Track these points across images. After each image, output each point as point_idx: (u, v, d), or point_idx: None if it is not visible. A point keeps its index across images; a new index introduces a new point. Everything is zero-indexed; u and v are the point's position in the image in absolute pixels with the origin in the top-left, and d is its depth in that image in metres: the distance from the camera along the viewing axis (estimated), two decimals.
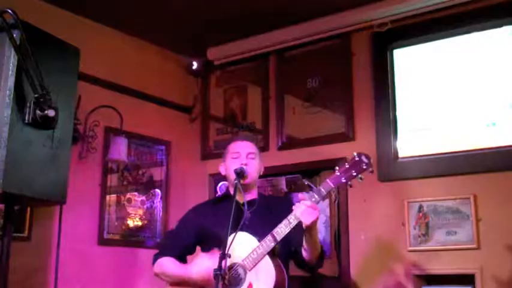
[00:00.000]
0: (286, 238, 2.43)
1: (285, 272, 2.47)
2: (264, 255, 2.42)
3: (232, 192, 2.61)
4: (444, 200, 3.26)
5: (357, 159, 2.35)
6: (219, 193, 4.22)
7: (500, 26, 3.27)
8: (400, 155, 3.48)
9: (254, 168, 2.71)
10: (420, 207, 3.33)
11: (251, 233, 2.49)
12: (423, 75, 3.50)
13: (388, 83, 3.58)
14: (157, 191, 4.16)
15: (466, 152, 3.25)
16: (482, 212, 3.13)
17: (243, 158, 2.69)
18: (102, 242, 3.72)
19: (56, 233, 2.92)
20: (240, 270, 2.47)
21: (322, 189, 2.38)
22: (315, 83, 3.93)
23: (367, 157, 2.35)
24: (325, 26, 3.78)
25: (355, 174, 2.34)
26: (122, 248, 3.84)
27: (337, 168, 2.40)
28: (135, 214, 3.97)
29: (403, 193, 3.38)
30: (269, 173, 3.79)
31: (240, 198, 2.56)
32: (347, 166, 2.36)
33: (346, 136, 3.70)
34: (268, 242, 2.41)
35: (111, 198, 3.83)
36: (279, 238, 2.40)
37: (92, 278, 3.58)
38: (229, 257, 2.21)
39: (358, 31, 3.75)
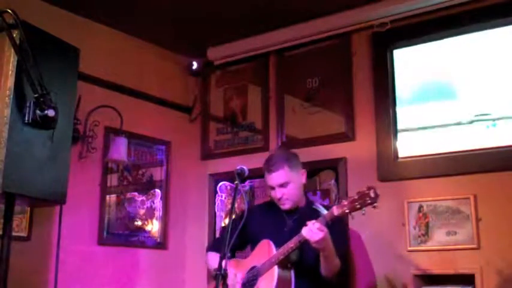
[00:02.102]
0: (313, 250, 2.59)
1: (292, 284, 2.60)
2: (273, 265, 2.61)
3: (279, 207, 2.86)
4: (444, 200, 3.26)
5: (366, 192, 2.43)
6: (219, 193, 4.22)
7: (501, 26, 3.27)
8: (400, 155, 3.48)
9: (290, 194, 2.83)
10: (420, 207, 3.33)
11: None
12: (423, 75, 3.50)
13: (388, 83, 3.58)
14: (157, 191, 4.16)
15: (466, 152, 3.25)
16: (482, 212, 3.13)
17: (277, 190, 2.84)
18: (102, 242, 3.72)
19: (56, 233, 2.93)
20: (255, 273, 2.70)
21: (327, 215, 2.52)
22: (315, 83, 3.93)
23: (375, 193, 2.42)
24: (325, 26, 3.78)
25: (358, 207, 2.43)
26: (122, 248, 3.84)
27: (347, 197, 2.56)
28: (135, 214, 3.97)
29: (403, 193, 3.38)
30: None
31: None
32: (355, 197, 2.45)
33: (346, 136, 3.70)
34: (278, 255, 2.61)
35: (111, 198, 3.83)
36: (286, 252, 2.58)
37: (92, 278, 3.58)
38: (230, 257, 2.26)
39: (358, 31, 3.74)
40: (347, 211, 2.45)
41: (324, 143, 3.77)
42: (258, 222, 2.90)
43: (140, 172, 4.07)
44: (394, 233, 3.38)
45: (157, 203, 4.14)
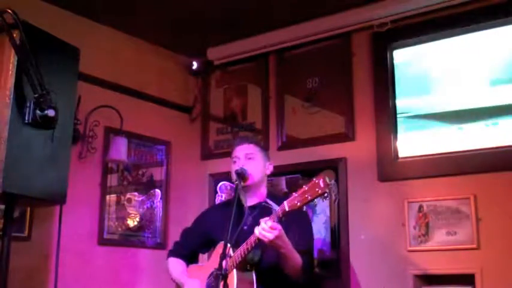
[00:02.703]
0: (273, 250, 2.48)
1: (254, 286, 2.51)
2: (232, 268, 2.47)
3: (241, 195, 2.68)
4: (444, 200, 3.25)
5: (316, 181, 2.30)
6: (219, 193, 4.22)
7: (500, 25, 3.27)
8: (400, 155, 3.48)
9: (254, 168, 2.72)
10: (420, 207, 3.33)
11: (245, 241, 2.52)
12: (423, 75, 3.50)
13: (388, 83, 3.58)
14: (157, 191, 4.16)
15: (466, 152, 3.25)
16: (482, 212, 3.13)
17: (241, 160, 2.73)
18: (102, 242, 3.72)
19: (56, 233, 2.92)
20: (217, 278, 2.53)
21: (279, 211, 2.38)
22: (315, 83, 3.93)
23: (325, 182, 2.28)
24: (325, 26, 3.78)
25: (309, 198, 2.31)
26: (122, 248, 3.84)
27: (298, 189, 2.37)
28: (135, 214, 3.97)
29: (403, 193, 3.38)
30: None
31: (250, 201, 2.62)
32: (305, 189, 2.33)
33: (346, 136, 3.70)
34: (235, 257, 2.48)
35: (111, 198, 3.83)
36: (243, 254, 2.46)
37: (92, 278, 3.58)
38: (230, 257, 2.23)
39: (358, 31, 3.74)
40: (298, 204, 2.32)
41: (324, 143, 3.77)
42: (218, 223, 2.75)
43: (140, 172, 4.07)
44: (394, 233, 3.38)
45: (157, 203, 4.14)
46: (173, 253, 3.01)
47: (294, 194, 2.36)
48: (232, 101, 4.35)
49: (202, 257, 3.22)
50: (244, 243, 2.47)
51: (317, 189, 2.28)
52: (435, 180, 3.32)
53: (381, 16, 3.58)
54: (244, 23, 3.90)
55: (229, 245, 2.49)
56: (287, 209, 2.35)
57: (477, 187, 3.17)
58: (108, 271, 3.71)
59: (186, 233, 3.05)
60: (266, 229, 2.35)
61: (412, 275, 3.25)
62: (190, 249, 2.97)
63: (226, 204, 3.00)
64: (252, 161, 2.74)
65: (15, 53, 2.23)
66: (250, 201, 2.79)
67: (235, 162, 2.77)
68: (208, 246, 2.91)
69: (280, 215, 2.38)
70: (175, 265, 2.95)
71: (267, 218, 2.39)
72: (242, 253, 2.47)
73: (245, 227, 2.60)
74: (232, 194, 2.97)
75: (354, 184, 3.58)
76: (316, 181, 2.29)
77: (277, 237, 2.36)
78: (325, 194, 2.30)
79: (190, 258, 2.97)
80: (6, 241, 2.33)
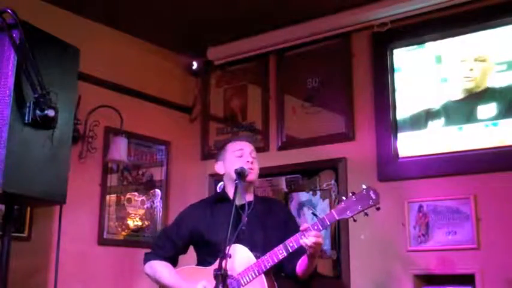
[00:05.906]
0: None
1: None
2: (260, 274, 2.43)
3: (230, 191, 2.63)
4: (444, 200, 3.26)
5: (364, 193, 2.34)
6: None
7: (500, 25, 3.27)
8: (400, 155, 3.48)
9: (257, 166, 2.71)
10: (420, 207, 3.33)
11: (247, 240, 2.49)
12: (423, 75, 3.50)
13: (388, 83, 3.58)
14: (157, 191, 4.16)
15: (466, 152, 3.25)
16: (482, 212, 3.13)
17: (247, 155, 2.68)
18: (102, 242, 3.72)
19: (56, 233, 2.92)
20: (234, 284, 2.46)
21: (327, 220, 2.38)
22: (315, 83, 3.93)
23: (375, 193, 2.34)
24: (325, 26, 3.78)
25: (360, 209, 2.34)
26: (122, 248, 3.84)
27: (344, 198, 2.41)
28: (135, 214, 3.97)
29: (403, 193, 3.38)
30: (269, 173, 3.82)
31: (239, 200, 2.51)
32: (354, 199, 2.35)
33: (346, 136, 3.70)
34: (266, 263, 2.43)
35: (111, 198, 3.83)
36: (276, 260, 2.42)
37: (92, 278, 3.58)
38: (230, 257, 2.20)
39: (358, 31, 3.75)
40: (349, 214, 2.34)
41: (324, 143, 3.77)
42: (209, 222, 2.68)
43: (140, 172, 4.07)
44: (394, 233, 3.38)
45: (157, 203, 4.14)
46: (155, 256, 2.76)
47: (341, 203, 2.37)
48: (232, 101, 4.35)
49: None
50: (277, 249, 2.41)
51: (370, 201, 2.33)
52: (435, 180, 3.32)
53: (381, 16, 3.58)
54: (244, 23, 3.90)
55: (249, 250, 2.47)
56: (337, 218, 2.36)
57: (477, 187, 3.17)
58: (108, 271, 3.71)
59: (168, 233, 2.82)
60: (312, 240, 2.31)
61: (412, 275, 3.25)
62: (175, 250, 2.77)
63: (210, 202, 2.84)
64: (255, 160, 2.71)
65: (15, 53, 2.23)
66: (244, 199, 2.65)
67: (239, 156, 2.67)
68: (195, 246, 2.79)
69: (328, 224, 2.37)
70: (165, 269, 2.70)
71: (306, 225, 2.37)
72: (273, 260, 2.41)
73: (243, 227, 2.48)
74: (217, 191, 2.93)
75: (354, 184, 3.57)
76: (365, 192, 2.34)
77: (320, 244, 2.35)
78: (378, 205, 2.34)
79: (174, 261, 2.77)
80: (6, 241, 2.33)
